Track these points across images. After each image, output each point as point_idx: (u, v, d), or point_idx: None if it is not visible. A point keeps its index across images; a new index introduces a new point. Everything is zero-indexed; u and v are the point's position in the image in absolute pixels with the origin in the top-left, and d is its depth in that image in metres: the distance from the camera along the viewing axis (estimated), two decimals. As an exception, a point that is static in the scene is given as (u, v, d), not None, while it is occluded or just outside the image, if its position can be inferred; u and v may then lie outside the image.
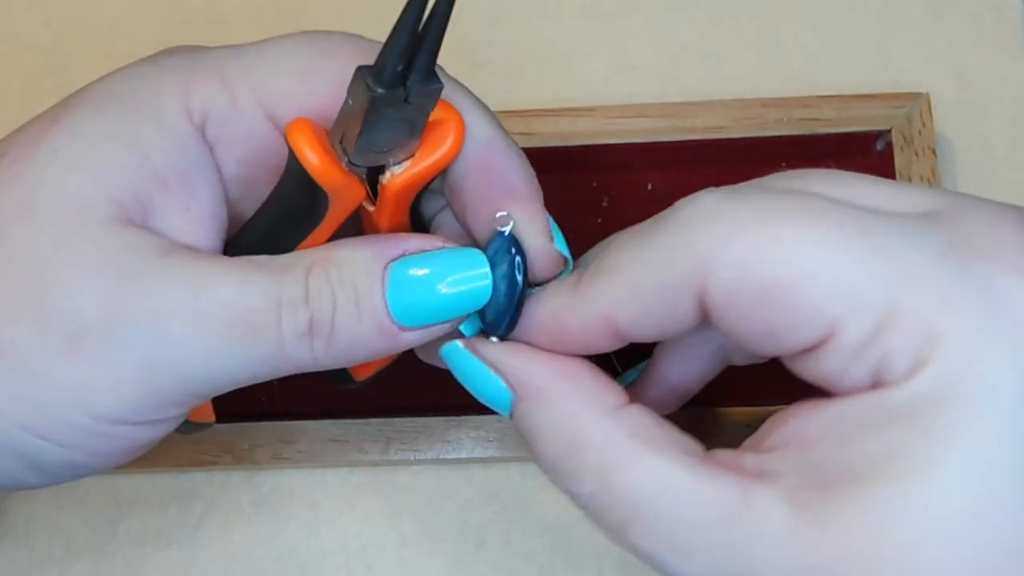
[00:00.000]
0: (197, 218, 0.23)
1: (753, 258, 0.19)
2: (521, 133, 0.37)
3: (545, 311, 0.23)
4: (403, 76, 0.20)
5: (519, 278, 0.23)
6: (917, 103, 0.37)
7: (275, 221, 0.24)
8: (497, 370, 0.23)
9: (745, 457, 0.21)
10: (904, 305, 0.18)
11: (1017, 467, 0.18)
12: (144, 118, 0.23)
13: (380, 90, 0.20)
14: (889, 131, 0.37)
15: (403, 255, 0.23)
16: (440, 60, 0.21)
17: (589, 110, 0.38)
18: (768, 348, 0.20)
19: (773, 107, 0.37)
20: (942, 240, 0.19)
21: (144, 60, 0.24)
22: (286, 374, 0.23)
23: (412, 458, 0.35)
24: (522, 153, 0.24)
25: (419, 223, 0.26)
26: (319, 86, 0.23)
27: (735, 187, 0.21)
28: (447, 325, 0.23)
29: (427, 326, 0.23)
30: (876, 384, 0.19)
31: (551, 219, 0.24)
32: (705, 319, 0.21)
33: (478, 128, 0.23)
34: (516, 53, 0.41)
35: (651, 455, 0.21)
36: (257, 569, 0.35)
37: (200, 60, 0.24)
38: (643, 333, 0.22)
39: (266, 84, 0.23)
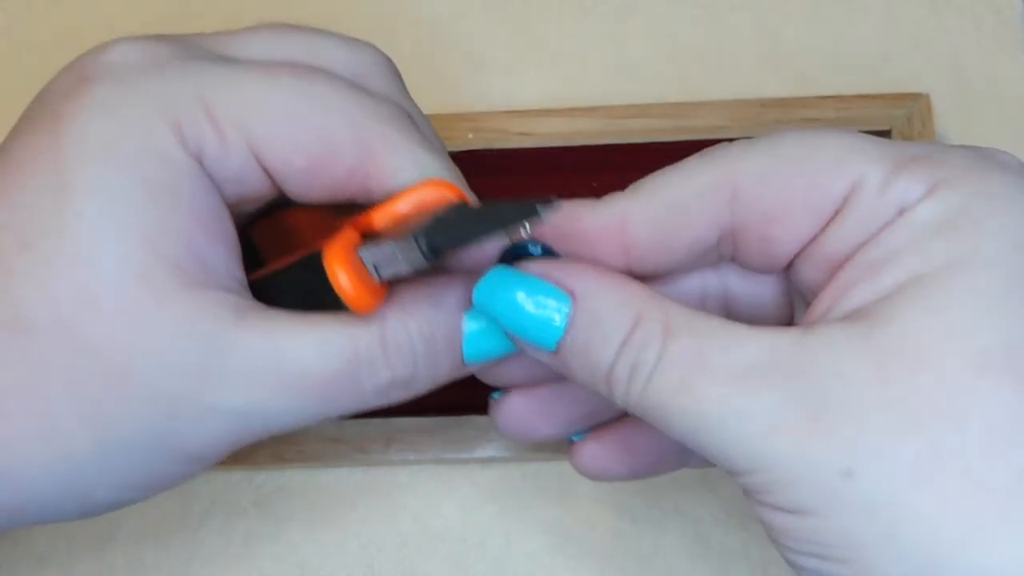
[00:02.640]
0: (236, 253, 0.23)
1: (778, 146, 0.22)
2: (521, 133, 0.37)
3: (563, 212, 0.24)
4: None
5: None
6: (917, 103, 0.37)
7: (297, 298, 0.24)
8: (551, 278, 0.23)
9: None
10: (913, 154, 0.21)
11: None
12: (154, 162, 0.21)
13: (436, 261, 0.21)
14: (889, 131, 0.37)
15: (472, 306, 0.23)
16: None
17: (589, 110, 0.38)
18: (800, 223, 0.22)
19: (773, 107, 0.37)
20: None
21: (109, 80, 0.22)
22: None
23: (412, 458, 0.35)
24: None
25: None
26: (308, 144, 0.22)
27: None
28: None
29: (490, 359, 0.24)
30: (902, 213, 0.21)
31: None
32: (722, 234, 0.23)
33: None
34: (516, 53, 0.41)
35: (711, 316, 0.21)
36: (257, 569, 0.35)
37: (180, 86, 0.22)
38: (653, 249, 0.23)
39: (255, 132, 0.22)
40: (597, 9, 0.41)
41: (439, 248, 0.21)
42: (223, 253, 0.22)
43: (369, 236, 0.23)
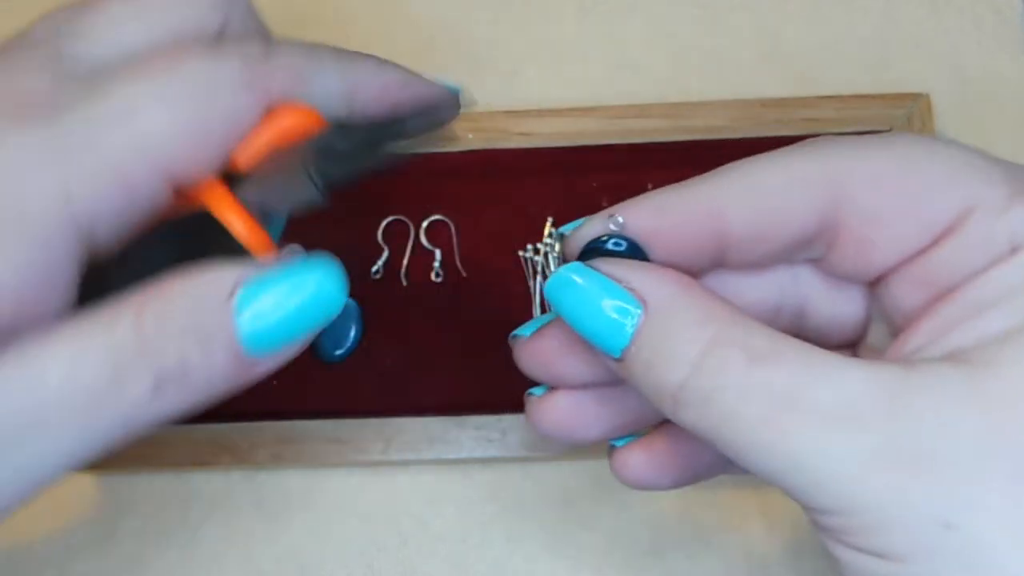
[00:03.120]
0: (48, 295, 0.20)
1: (890, 147, 0.21)
2: (521, 133, 0.37)
3: (650, 202, 0.22)
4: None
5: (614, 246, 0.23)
6: (917, 103, 0.37)
7: (166, 259, 0.21)
8: (626, 282, 0.21)
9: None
10: None
11: None
12: (8, 230, 0.19)
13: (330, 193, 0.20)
14: (889, 131, 0.37)
15: (243, 282, 0.20)
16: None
17: (589, 110, 0.38)
18: (907, 234, 0.21)
19: (773, 107, 0.37)
20: None
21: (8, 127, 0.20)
22: (148, 430, 0.21)
23: (412, 458, 0.35)
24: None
25: None
26: (218, 135, 0.21)
27: None
28: (300, 345, 0.21)
29: (281, 351, 0.21)
30: (1014, 250, 0.19)
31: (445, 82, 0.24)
32: (820, 230, 0.22)
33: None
34: (516, 53, 0.41)
35: (800, 343, 0.20)
36: (257, 569, 0.35)
37: (74, 144, 0.20)
38: (748, 231, 0.22)
39: (162, 156, 0.20)
40: (597, 9, 0.41)
41: (335, 179, 0.20)
42: (25, 303, 0.20)
43: (235, 179, 0.21)
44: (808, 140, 0.22)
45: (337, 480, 0.36)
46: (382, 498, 0.35)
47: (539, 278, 0.24)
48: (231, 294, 0.20)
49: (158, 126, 0.20)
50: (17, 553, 0.35)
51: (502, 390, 0.35)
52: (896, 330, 0.22)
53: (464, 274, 0.37)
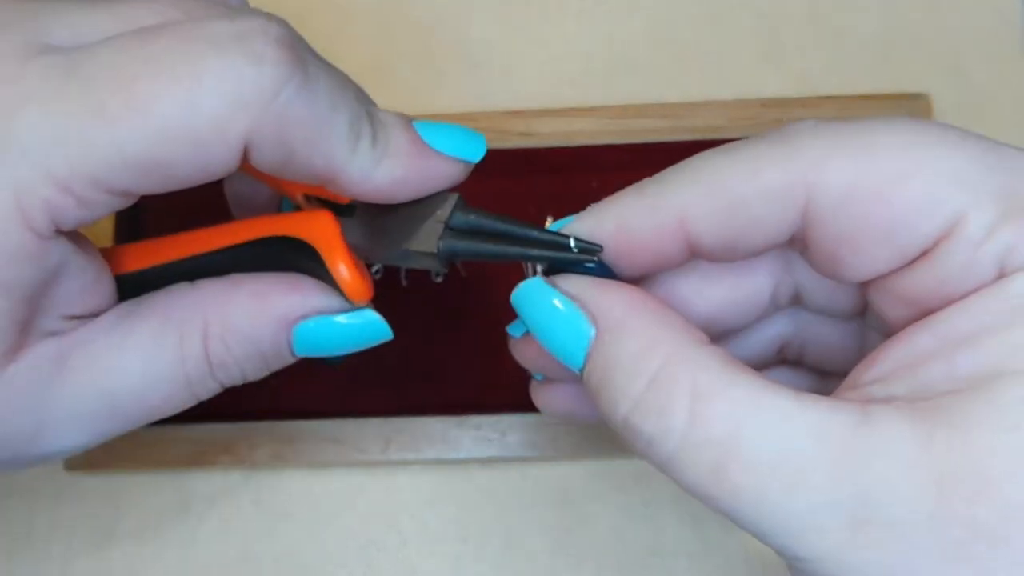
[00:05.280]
0: (86, 290, 0.22)
1: (868, 156, 0.19)
2: (521, 133, 0.37)
3: (609, 216, 0.22)
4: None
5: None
6: (917, 103, 0.37)
7: (246, 267, 0.24)
8: (580, 302, 0.21)
9: (846, 393, 0.19)
10: None
11: None
12: None
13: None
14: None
15: (302, 318, 0.23)
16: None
17: (589, 110, 0.38)
18: (878, 258, 0.19)
19: (773, 107, 0.37)
20: None
21: None
22: None
23: (412, 458, 0.35)
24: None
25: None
26: (165, 177, 0.20)
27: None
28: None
29: (326, 352, 0.24)
30: (1000, 275, 0.18)
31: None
32: (794, 240, 0.20)
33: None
34: (516, 53, 0.41)
35: (750, 379, 0.19)
36: (257, 569, 0.35)
37: (17, 165, 0.19)
38: (718, 243, 0.21)
39: (104, 179, 0.20)
40: (597, 9, 0.41)
41: (458, 257, 0.22)
42: (65, 300, 0.22)
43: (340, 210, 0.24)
44: (783, 129, 0.20)
45: (337, 480, 0.36)
46: (382, 498, 0.35)
47: (539, 278, 0.25)
48: (291, 325, 0.23)
49: (84, 149, 0.19)
50: (16, 552, 0.35)
51: (502, 390, 0.35)
52: (886, 332, 0.21)
53: (464, 274, 0.37)
